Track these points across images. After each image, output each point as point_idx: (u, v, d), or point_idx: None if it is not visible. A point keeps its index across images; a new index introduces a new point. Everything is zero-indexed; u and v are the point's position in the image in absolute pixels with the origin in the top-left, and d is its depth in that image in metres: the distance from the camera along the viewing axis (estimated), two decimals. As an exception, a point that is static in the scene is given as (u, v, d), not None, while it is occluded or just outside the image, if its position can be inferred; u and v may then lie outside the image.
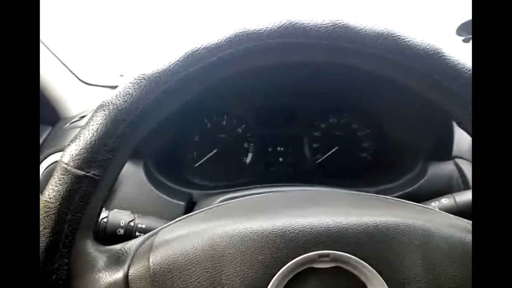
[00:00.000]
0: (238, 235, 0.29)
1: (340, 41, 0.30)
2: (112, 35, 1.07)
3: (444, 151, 0.65)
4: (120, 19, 1.09)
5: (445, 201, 0.52)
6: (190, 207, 0.61)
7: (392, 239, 0.29)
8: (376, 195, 0.42)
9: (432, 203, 0.53)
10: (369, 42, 0.29)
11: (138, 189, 0.59)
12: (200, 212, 0.36)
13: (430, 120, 0.64)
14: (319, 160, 0.75)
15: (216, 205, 0.38)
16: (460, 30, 0.85)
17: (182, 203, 0.60)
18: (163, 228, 0.33)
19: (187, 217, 0.35)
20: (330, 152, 0.74)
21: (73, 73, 0.80)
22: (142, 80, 0.29)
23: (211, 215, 0.34)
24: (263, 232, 0.29)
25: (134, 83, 0.29)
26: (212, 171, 0.73)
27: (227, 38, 0.29)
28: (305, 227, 0.29)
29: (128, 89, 0.29)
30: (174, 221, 0.34)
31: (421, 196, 0.57)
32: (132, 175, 0.59)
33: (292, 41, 0.30)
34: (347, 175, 0.73)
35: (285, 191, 0.57)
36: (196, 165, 0.73)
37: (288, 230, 0.29)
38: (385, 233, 0.29)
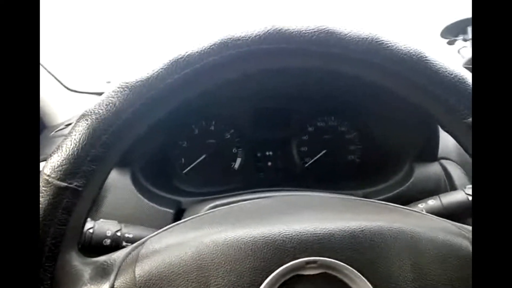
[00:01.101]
0: (225, 243, 0.29)
1: (324, 47, 0.30)
2: (99, 41, 1.06)
3: (430, 153, 0.65)
4: (106, 25, 1.08)
5: (432, 202, 0.53)
6: (179, 215, 0.60)
7: (379, 243, 0.29)
8: (363, 199, 0.43)
9: (419, 205, 0.53)
10: (353, 47, 0.29)
11: (125, 198, 0.58)
12: (187, 220, 0.35)
13: (416, 122, 0.64)
14: (308, 164, 0.75)
15: (204, 213, 0.37)
16: (444, 33, 0.86)
17: (171, 210, 0.59)
18: (150, 237, 0.33)
19: (174, 226, 0.34)
20: (319, 156, 0.75)
21: (58, 80, 0.79)
22: (125, 89, 0.29)
23: (198, 223, 0.34)
24: (250, 240, 0.29)
25: (117, 91, 0.29)
26: (200, 177, 0.72)
27: (211, 45, 0.29)
28: (292, 234, 0.29)
29: (111, 98, 0.29)
30: (161, 230, 0.34)
31: (408, 198, 0.58)
32: (119, 184, 0.58)
33: (276, 46, 0.30)
34: (335, 178, 0.73)
35: (273, 196, 0.57)
36: (184, 171, 0.72)
37: (275, 238, 0.29)
38: (372, 237, 0.29)
